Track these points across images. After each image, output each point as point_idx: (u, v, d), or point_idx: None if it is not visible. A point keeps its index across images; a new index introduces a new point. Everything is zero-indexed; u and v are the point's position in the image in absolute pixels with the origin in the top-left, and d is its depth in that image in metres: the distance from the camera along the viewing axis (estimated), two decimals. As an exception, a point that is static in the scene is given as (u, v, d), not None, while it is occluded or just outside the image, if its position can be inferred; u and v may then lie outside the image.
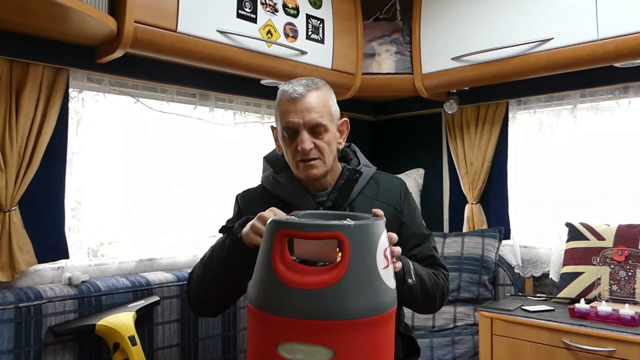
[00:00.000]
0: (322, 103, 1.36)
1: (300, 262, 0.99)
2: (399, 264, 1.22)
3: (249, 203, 1.50)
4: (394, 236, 1.15)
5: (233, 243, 1.27)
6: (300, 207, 1.37)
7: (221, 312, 1.47)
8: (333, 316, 0.91)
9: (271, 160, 1.53)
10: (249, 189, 1.56)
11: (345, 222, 0.95)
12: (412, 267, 1.30)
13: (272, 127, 1.48)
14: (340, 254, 0.95)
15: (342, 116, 1.46)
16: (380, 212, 1.13)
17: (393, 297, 1.01)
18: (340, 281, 0.91)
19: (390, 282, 1.00)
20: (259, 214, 1.22)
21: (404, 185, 1.52)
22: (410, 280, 1.27)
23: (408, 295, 1.28)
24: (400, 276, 1.23)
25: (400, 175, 2.79)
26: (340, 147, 1.46)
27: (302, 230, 0.94)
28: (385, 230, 1.01)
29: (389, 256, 1.00)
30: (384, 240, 0.99)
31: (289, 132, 1.36)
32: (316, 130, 1.34)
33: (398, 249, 1.20)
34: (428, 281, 1.36)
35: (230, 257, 1.28)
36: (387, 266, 0.99)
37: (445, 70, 2.27)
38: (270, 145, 2.23)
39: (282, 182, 1.45)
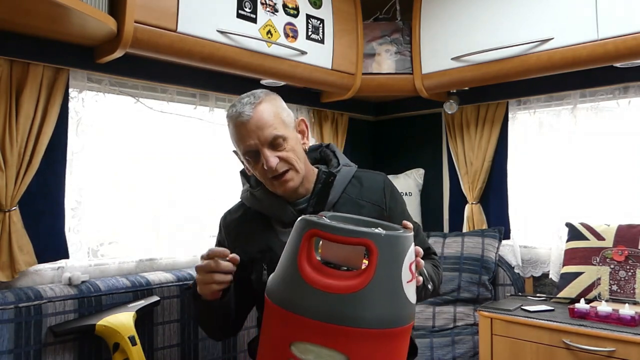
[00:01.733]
0: (271, 114, 1.32)
1: (324, 263, 0.99)
2: (421, 278, 1.20)
3: (230, 224, 1.48)
4: (420, 250, 1.14)
5: (198, 303, 1.33)
6: (281, 218, 1.38)
7: (240, 328, 1.51)
8: (351, 323, 0.91)
9: (247, 175, 1.50)
10: (229, 210, 1.53)
11: (376, 230, 0.94)
12: (426, 273, 1.29)
13: (234, 151, 1.43)
14: (366, 261, 0.94)
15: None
16: (410, 224, 1.12)
17: (412, 312, 1.00)
18: (364, 289, 0.90)
19: (412, 296, 0.99)
20: (196, 266, 1.27)
21: (387, 180, 1.48)
22: (430, 286, 1.29)
23: (423, 298, 1.32)
24: (419, 287, 1.22)
25: (400, 175, 2.79)
26: (306, 147, 1.42)
27: (332, 232, 0.93)
28: (413, 244, 0.99)
29: (414, 270, 0.99)
30: (411, 254, 0.98)
31: (250, 156, 1.34)
32: (275, 143, 1.31)
33: (422, 262, 1.18)
34: (437, 279, 1.39)
35: (203, 312, 1.36)
36: (411, 280, 0.98)
37: (445, 70, 2.26)
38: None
39: (259, 196, 1.42)
